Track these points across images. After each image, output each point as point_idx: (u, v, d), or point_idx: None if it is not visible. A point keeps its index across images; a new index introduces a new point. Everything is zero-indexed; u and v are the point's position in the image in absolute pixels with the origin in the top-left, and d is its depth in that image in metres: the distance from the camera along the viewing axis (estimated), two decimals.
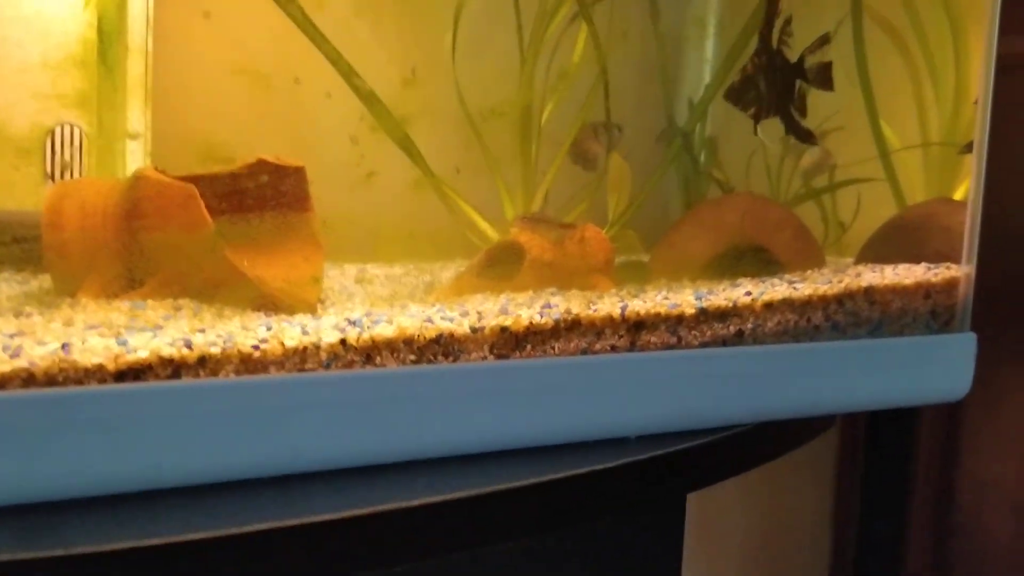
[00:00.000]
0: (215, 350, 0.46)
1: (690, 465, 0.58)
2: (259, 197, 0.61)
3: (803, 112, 0.70)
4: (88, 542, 0.39)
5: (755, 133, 0.68)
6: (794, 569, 1.25)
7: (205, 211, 0.54)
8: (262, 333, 0.48)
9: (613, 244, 0.67)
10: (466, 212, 0.72)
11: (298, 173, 0.62)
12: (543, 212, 0.73)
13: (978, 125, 0.73)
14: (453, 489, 0.48)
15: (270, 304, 0.55)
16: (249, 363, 0.46)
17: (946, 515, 1.16)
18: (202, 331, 0.48)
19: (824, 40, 0.69)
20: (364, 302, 0.60)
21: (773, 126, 0.71)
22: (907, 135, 0.88)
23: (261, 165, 0.61)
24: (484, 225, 0.76)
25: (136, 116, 0.71)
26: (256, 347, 0.46)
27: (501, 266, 0.62)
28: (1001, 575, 1.13)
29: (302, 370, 0.47)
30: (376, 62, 0.66)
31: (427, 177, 0.70)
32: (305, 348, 0.47)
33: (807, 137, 0.71)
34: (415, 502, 0.46)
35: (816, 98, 0.81)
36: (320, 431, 0.47)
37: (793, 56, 0.69)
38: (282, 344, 0.47)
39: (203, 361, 0.45)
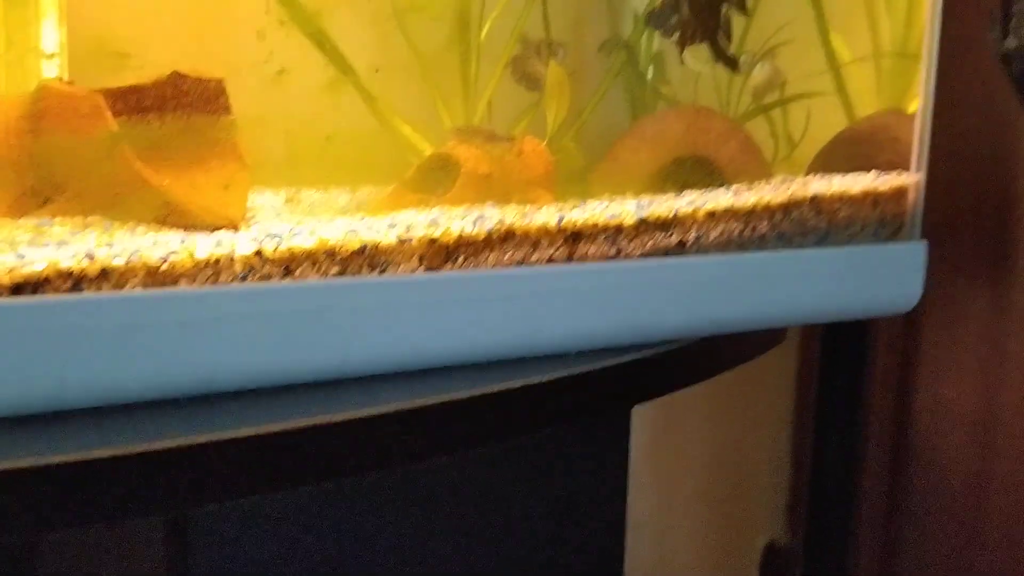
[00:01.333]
0: (118, 262, 0.43)
1: (633, 379, 0.57)
2: (175, 111, 0.58)
3: (729, 38, 0.67)
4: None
5: (681, 60, 0.66)
6: (752, 484, 1.26)
7: (113, 122, 0.51)
8: (173, 246, 0.45)
9: (553, 157, 0.64)
10: (399, 126, 0.69)
11: (217, 86, 0.59)
12: (480, 126, 0.70)
13: (927, 31, 0.71)
14: (381, 403, 0.46)
15: (189, 221, 0.53)
16: (156, 276, 0.43)
17: (903, 433, 1.16)
18: (109, 245, 0.45)
19: None
20: (292, 220, 0.57)
21: (700, 51, 0.68)
22: (859, 47, 0.86)
23: (177, 78, 0.57)
24: (418, 138, 0.73)
25: (49, 34, 0.67)
26: (164, 259, 0.44)
27: (435, 180, 0.60)
28: (957, 493, 1.14)
29: (215, 284, 0.45)
30: None
31: (345, 75, 0.67)
32: (218, 260, 0.45)
33: (732, 64, 0.69)
34: (345, 415, 0.44)
35: (766, 12, 0.79)
36: (235, 347, 0.44)
37: None
38: (192, 256, 0.44)
39: (105, 273, 0.43)
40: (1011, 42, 0.68)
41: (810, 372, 1.18)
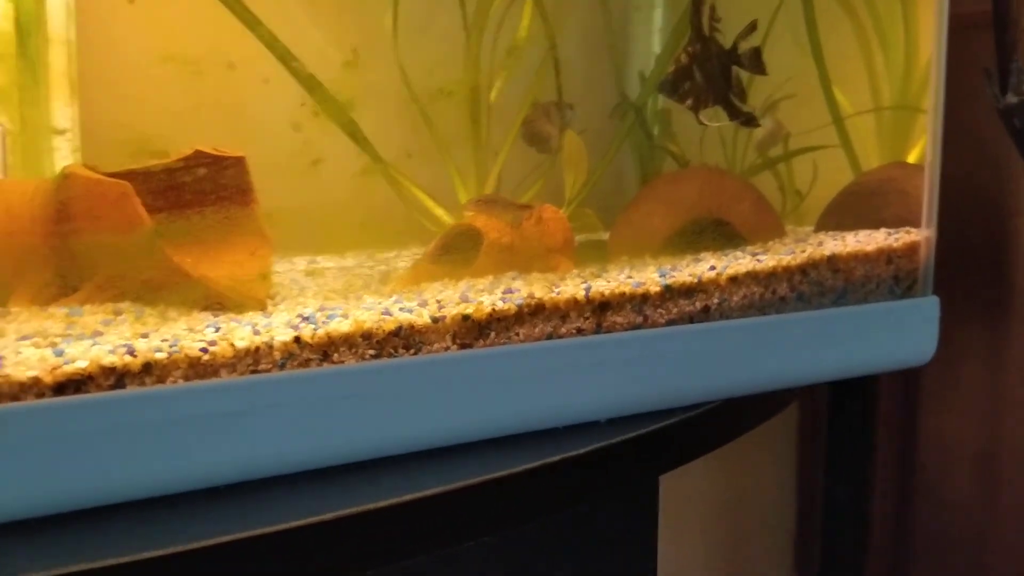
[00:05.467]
0: (160, 355, 0.43)
1: (663, 446, 0.57)
2: (198, 191, 0.58)
3: (742, 97, 0.68)
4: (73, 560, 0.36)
5: (698, 122, 0.67)
6: (759, 541, 1.26)
7: (141, 208, 0.51)
8: (210, 335, 0.45)
9: (571, 223, 0.65)
10: (418, 197, 0.70)
11: (238, 163, 0.59)
12: (497, 194, 0.71)
13: (932, 86, 0.72)
14: (421, 488, 0.46)
15: (217, 303, 0.52)
16: (198, 367, 0.43)
17: (908, 475, 1.17)
18: (145, 336, 0.45)
19: (752, 27, 0.67)
20: (317, 296, 0.57)
21: (715, 111, 0.69)
22: (859, 100, 0.87)
23: (198, 157, 0.57)
24: (438, 210, 0.73)
25: (61, 111, 0.67)
26: (204, 350, 0.44)
27: (458, 251, 0.60)
28: (962, 533, 1.14)
29: (255, 371, 0.45)
30: (314, 44, 0.62)
31: (375, 163, 0.68)
32: (257, 348, 0.45)
33: (750, 121, 0.70)
34: (382, 503, 0.44)
35: (768, 67, 0.80)
36: (278, 434, 0.44)
37: (726, 42, 0.67)
38: (232, 345, 0.44)
39: (148, 368, 0.42)
40: (1011, 98, 0.69)
41: (816, 415, 1.19)
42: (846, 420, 1.05)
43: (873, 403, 1.07)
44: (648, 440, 0.55)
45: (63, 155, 0.67)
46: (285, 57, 0.61)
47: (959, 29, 0.96)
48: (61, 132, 0.67)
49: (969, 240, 1.06)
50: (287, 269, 0.68)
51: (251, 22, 0.59)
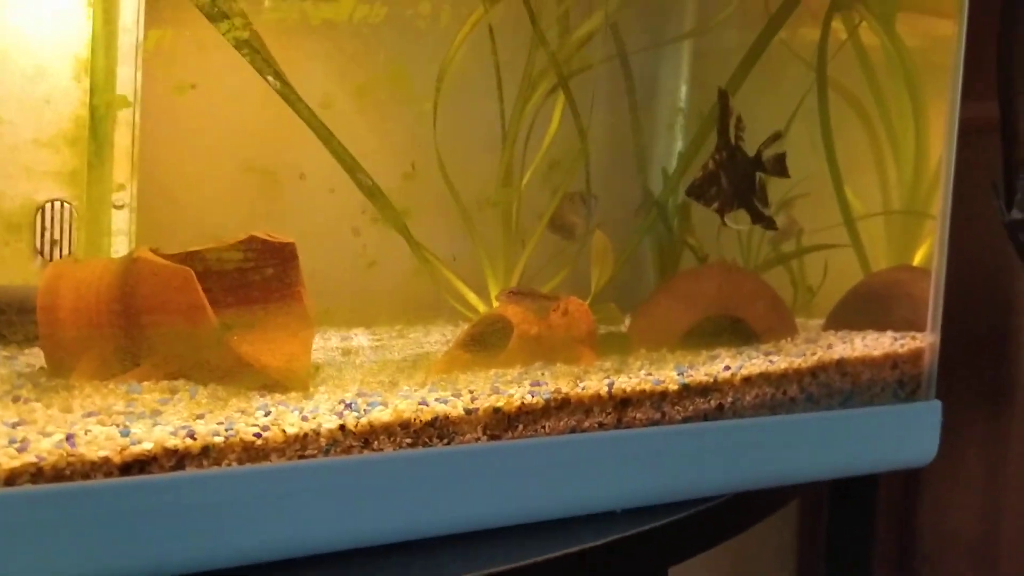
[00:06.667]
0: (218, 439, 0.46)
1: (675, 538, 0.60)
2: (251, 274, 0.62)
3: (764, 202, 0.73)
4: None
5: (723, 224, 0.71)
6: None
7: (202, 295, 0.55)
8: (261, 419, 0.49)
9: (594, 316, 0.68)
10: (456, 286, 0.74)
11: (288, 249, 0.63)
12: (527, 286, 0.74)
13: (941, 194, 0.76)
14: (450, 573, 0.49)
15: (263, 384, 0.56)
16: (251, 451, 0.47)
17: (908, 566, 1.19)
18: (201, 417, 0.49)
19: (776, 136, 0.72)
20: (355, 380, 0.61)
21: (740, 214, 0.74)
22: (871, 202, 0.91)
23: (252, 241, 0.62)
24: (470, 295, 0.77)
25: (121, 188, 0.71)
26: (258, 435, 0.47)
27: (490, 340, 0.64)
28: None
29: (302, 456, 0.48)
30: (373, 155, 0.67)
31: (424, 264, 0.72)
32: (305, 435, 0.48)
33: (770, 225, 0.74)
34: None
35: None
36: (321, 517, 0.48)
37: (750, 149, 0.72)
38: (283, 432, 0.48)
39: (206, 451, 0.46)
40: (1016, 214, 0.73)
41: (816, 506, 1.21)
42: (846, 512, 1.07)
43: (873, 496, 1.09)
44: (661, 533, 0.58)
45: (121, 228, 0.71)
46: (352, 168, 0.65)
47: (969, 132, 1.01)
48: (120, 207, 0.72)
49: (973, 335, 1.10)
50: (320, 345, 0.72)
51: (324, 135, 0.63)
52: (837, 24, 0.89)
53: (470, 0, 0.73)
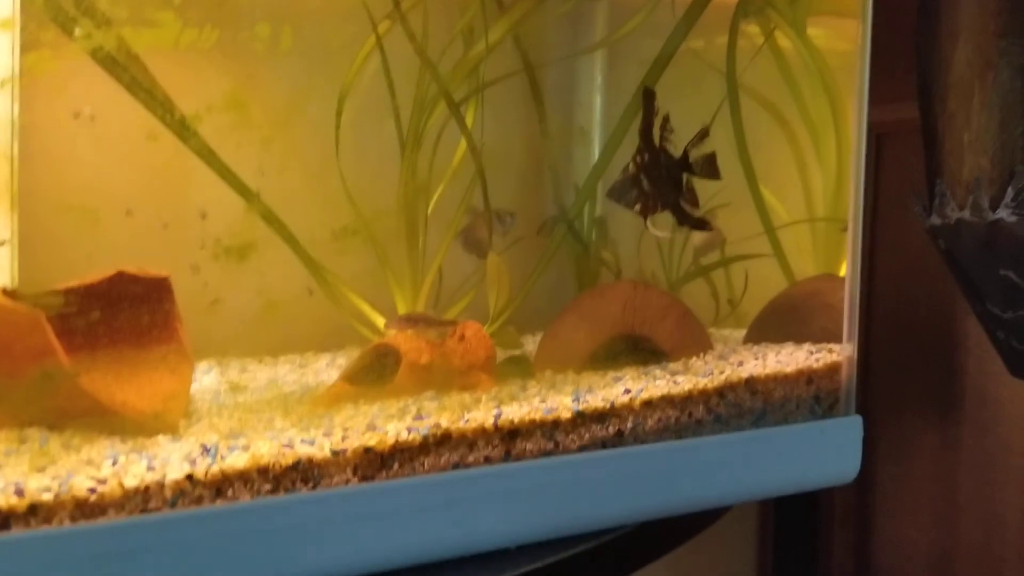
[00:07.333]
0: (47, 496, 0.43)
1: (580, 571, 0.57)
2: (119, 312, 0.58)
3: (694, 203, 0.70)
4: None
5: (646, 228, 0.68)
6: None
7: (53, 338, 0.52)
8: (105, 470, 0.46)
9: (493, 340, 0.65)
10: (358, 305, 0.71)
11: (161, 284, 0.60)
12: (420, 312, 0.72)
13: (852, 199, 0.74)
14: None
15: (129, 429, 0.53)
16: (85, 508, 0.44)
17: (865, 572, 1.16)
18: (41, 470, 0.45)
19: (704, 134, 0.69)
20: (232, 415, 0.57)
21: (664, 218, 0.71)
22: (795, 211, 0.89)
23: (121, 277, 0.59)
24: (374, 316, 0.74)
25: (2, 222, 0.68)
26: (92, 490, 0.44)
27: (375, 372, 0.61)
28: None
29: (145, 510, 0.45)
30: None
31: (315, 276, 0.69)
32: (147, 487, 0.45)
33: (702, 226, 0.71)
34: None
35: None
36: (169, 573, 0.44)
37: (676, 150, 0.69)
38: (121, 485, 0.44)
39: (34, 509, 0.43)
40: (935, 219, 0.71)
41: (767, 525, 1.18)
42: (793, 526, 1.04)
43: (822, 508, 1.07)
44: (556, 569, 0.55)
45: (3, 264, 0.68)
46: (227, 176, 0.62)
47: (902, 134, 0.99)
48: (1, 243, 0.68)
49: (920, 342, 1.08)
50: (213, 380, 0.68)
51: (215, 162, 0.60)
52: (753, 29, 0.87)
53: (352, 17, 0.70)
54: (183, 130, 0.63)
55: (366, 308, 0.74)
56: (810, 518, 1.04)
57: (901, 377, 1.10)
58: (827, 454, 0.67)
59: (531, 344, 0.77)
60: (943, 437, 1.10)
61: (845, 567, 1.18)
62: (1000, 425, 1.07)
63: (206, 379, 0.68)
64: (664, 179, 0.68)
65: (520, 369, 0.66)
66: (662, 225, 0.70)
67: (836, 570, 1.18)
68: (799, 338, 0.74)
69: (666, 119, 0.69)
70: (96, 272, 0.59)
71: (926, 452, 1.12)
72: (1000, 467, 1.05)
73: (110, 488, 0.44)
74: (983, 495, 1.07)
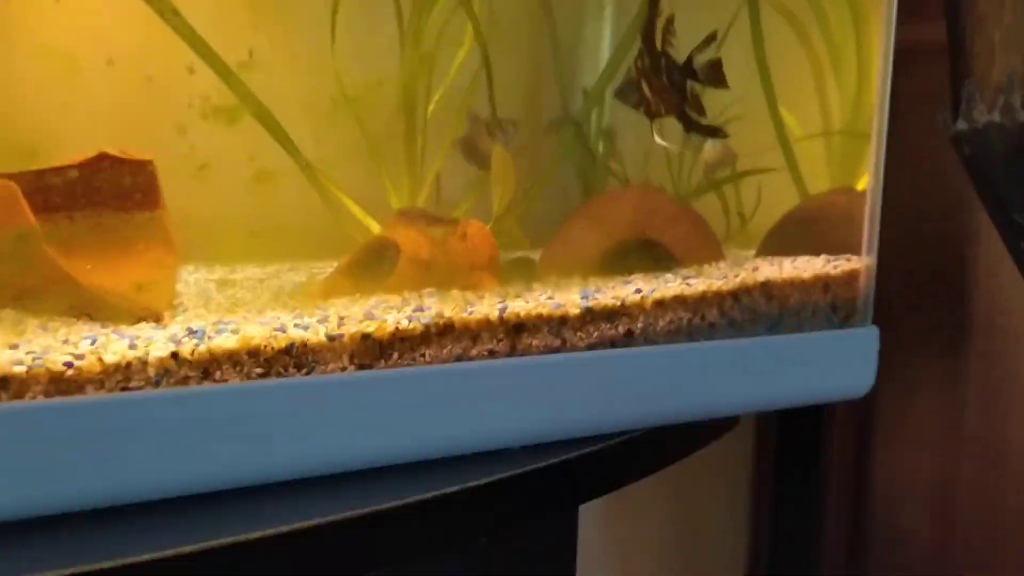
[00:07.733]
0: (19, 369, 0.40)
1: (579, 476, 0.54)
2: (101, 194, 0.55)
3: (700, 111, 0.66)
4: None
5: (654, 138, 0.64)
6: (709, 564, 1.23)
7: (28, 211, 0.48)
8: (83, 347, 0.42)
9: (497, 240, 0.62)
10: (345, 204, 0.67)
11: (145, 168, 0.56)
12: (423, 208, 0.68)
13: (876, 113, 0.71)
14: (310, 516, 0.43)
15: (109, 313, 0.50)
16: (60, 383, 0.40)
17: (862, 507, 1.15)
18: (14, 347, 0.42)
19: (711, 38, 0.65)
20: (220, 309, 0.54)
21: (673, 131, 0.67)
22: (810, 124, 0.85)
23: (102, 159, 0.55)
24: (368, 219, 0.71)
25: None
26: (69, 364, 0.41)
27: (373, 265, 0.58)
28: (916, 566, 1.12)
29: (125, 388, 0.42)
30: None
31: (303, 169, 0.65)
32: (129, 364, 0.42)
33: (714, 133, 0.67)
34: (255, 535, 0.41)
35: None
36: (149, 456, 0.41)
37: (681, 56, 0.65)
38: (100, 360, 0.41)
39: (4, 383, 0.39)
40: (961, 124, 0.68)
41: (766, 446, 1.16)
42: (796, 449, 1.02)
43: (823, 432, 1.05)
44: (562, 469, 0.52)
45: None
46: (202, 49, 0.58)
47: (922, 53, 0.95)
48: None
49: (927, 270, 1.05)
50: (202, 278, 0.65)
51: (168, 14, 0.56)
52: None
53: None
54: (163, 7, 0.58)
55: (358, 211, 0.71)
56: (811, 442, 1.02)
57: (909, 306, 1.08)
58: (842, 365, 0.64)
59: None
60: (948, 369, 1.08)
61: (841, 495, 1.16)
62: (1007, 357, 1.05)
63: (192, 279, 0.65)
64: (665, 85, 0.64)
65: (526, 271, 0.63)
66: (670, 137, 0.66)
67: (832, 499, 1.16)
68: (815, 251, 0.71)
69: (670, 21, 0.65)
70: (75, 154, 0.55)
71: (930, 384, 1.10)
72: (1006, 398, 1.03)
73: (88, 363, 0.41)
74: (988, 426, 1.05)
